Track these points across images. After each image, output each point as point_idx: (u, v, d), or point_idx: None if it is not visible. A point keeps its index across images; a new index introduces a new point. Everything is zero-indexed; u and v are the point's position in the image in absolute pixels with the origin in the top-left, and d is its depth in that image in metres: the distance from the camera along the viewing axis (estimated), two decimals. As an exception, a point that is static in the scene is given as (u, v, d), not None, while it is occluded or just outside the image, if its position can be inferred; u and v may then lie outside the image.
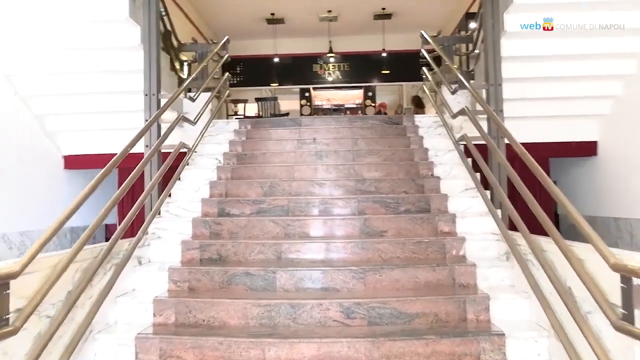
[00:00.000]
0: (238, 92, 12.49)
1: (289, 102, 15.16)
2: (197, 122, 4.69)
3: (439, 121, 5.60)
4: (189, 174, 4.76)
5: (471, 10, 7.68)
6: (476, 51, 5.68)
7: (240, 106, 9.02)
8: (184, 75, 6.08)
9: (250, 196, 4.37)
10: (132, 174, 3.30)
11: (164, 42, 5.57)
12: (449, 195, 4.18)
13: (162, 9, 5.12)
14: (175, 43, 5.91)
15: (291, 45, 13.33)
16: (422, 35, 5.95)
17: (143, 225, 3.52)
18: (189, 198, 4.35)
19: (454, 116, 4.59)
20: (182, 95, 5.16)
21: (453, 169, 4.69)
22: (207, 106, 5.04)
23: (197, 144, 4.62)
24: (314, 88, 13.85)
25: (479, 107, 4.12)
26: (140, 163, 3.47)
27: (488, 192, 4.04)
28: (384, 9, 11.68)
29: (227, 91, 6.08)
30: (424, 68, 6.05)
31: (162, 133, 4.35)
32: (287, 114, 10.07)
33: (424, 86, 5.97)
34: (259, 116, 9.29)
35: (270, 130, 5.56)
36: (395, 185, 4.39)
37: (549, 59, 4.97)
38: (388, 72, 12.94)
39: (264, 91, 13.45)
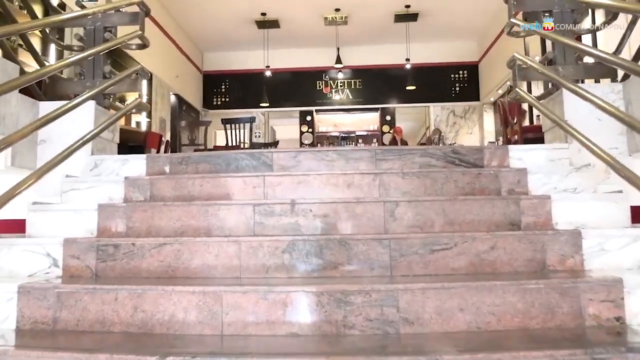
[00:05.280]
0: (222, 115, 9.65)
1: (286, 129, 12.27)
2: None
3: (562, 157, 2.60)
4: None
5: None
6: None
7: (200, 131, 5.93)
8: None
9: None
10: None
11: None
12: None
13: None
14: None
15: (289, 57, 10.60)
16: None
17: None
18: None
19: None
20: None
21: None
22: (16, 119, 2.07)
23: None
24: (317, 111, 11.06)
25: None
26: None
27: None
28: (407, 6, 8.89)
29: (138, 99, 3.15)
30: (515, 54, 3.08)
31: None
32: (275, 144, 7.08)
33: (517, 90, 2.97)
34: (211, 149, 6.23)
35: (204, 180, 2.56)
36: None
37: None
38: (413, 88, 9.96)
39: (257, 114, 10.56)
